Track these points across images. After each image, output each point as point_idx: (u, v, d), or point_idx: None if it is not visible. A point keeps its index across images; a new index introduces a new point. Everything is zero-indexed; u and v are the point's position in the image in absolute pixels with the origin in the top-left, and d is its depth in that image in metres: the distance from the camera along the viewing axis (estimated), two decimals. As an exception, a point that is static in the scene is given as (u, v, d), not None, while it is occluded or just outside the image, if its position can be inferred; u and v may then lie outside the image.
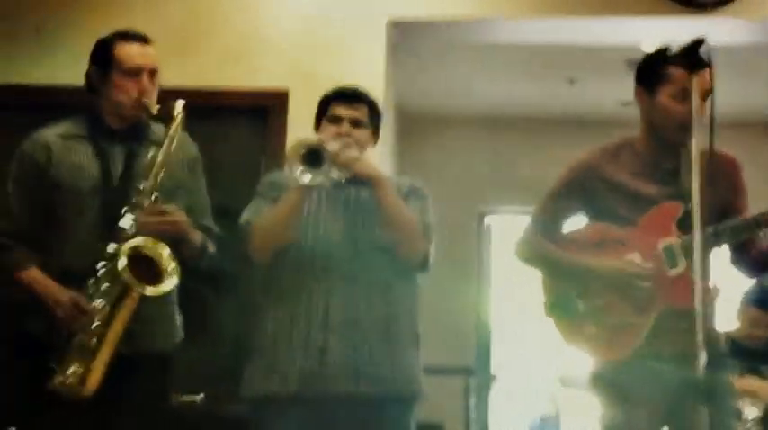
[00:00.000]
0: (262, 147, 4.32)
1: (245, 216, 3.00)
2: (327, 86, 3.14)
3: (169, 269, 2.84)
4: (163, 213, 2.88)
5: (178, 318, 3.07)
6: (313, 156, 2.82)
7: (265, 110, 4.33)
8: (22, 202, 2.98)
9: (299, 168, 2.82)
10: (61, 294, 2.85)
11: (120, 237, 2.86)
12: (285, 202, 2.92)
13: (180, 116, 2.91)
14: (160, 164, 2.90)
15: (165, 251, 2.85)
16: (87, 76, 3.04)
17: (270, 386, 2.92)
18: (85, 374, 2.82)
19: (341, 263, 2.95)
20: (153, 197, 2.90)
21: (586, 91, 5.71)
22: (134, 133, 3.01)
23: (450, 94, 5.88)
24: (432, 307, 3.42)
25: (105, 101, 3.00)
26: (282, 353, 2.92)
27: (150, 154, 2.93)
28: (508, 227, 5.89)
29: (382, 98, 4.06)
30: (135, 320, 2.87)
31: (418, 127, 6.13)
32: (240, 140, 4.34)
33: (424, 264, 3.01)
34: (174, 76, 3.26)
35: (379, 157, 3.86)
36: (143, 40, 3.01)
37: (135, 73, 2.96)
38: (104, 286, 2.85)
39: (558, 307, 3.00)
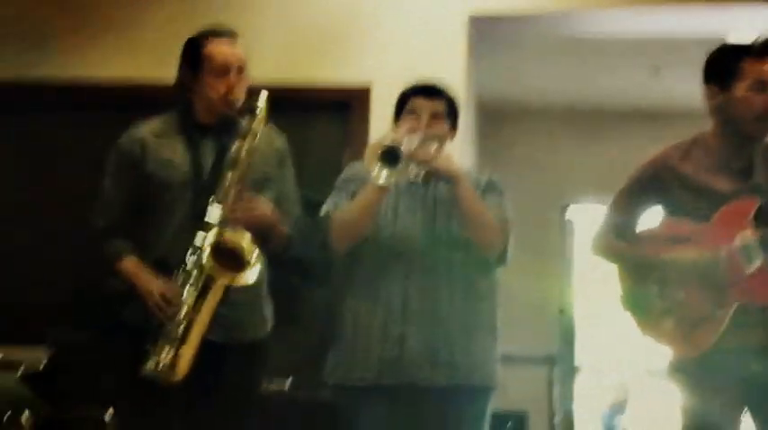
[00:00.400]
0: (344, 141, 4.36)
1: (325, 208, 3.06)
2: (409, 81, 3.16)
3: (252, 259, 2.89)
4: (249, 204, 2.94)
5: (269, 307, 3.13)
6: (390, 156, 2.86)
7: (348, 105, 4.36)
8: (119, 195, 3.07)
9: (377, 167, 2.86)
10: (153, 284, 2.93)
11: (208, 228, 2.93)
12: (363, 198, 2.96)
13: (262, 109, 2.96)
14: (245, 156, 2.94)
15: (247, 241, 2.90)
16: (178, 74, 3.12)
17: (351, 374, 2.98)
18: (175, 360, 2.89)
19: (419, 254, 2.98)
20: (239, 188, 2.95)
21: (670, 82, 5.70)
22: (224, 128, 3.06)
23: (531, 86, 5.88)
24: (516, 297, 3.47)
25: (196, 98, 3.07)
26: (362, 341, 2.97)
27: (234, 147, 2.98)
28: (590, 218, 5.92)
29: (463, 92, 4.09)
30: (227, 309, 2.93)
31: (500, 120, 6.12)
32: (323, 135, 4.38)
33: (501, 259, 3.03)
34: (258, 71, 3.32)
35: (459, 151, 3.84)
36: (231, 36, 3.07)
37: (224, 71, 3.02)
38: (192, 276, 2.91)
39: (636, 301, 3.02)
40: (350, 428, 2.98)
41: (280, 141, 3.17)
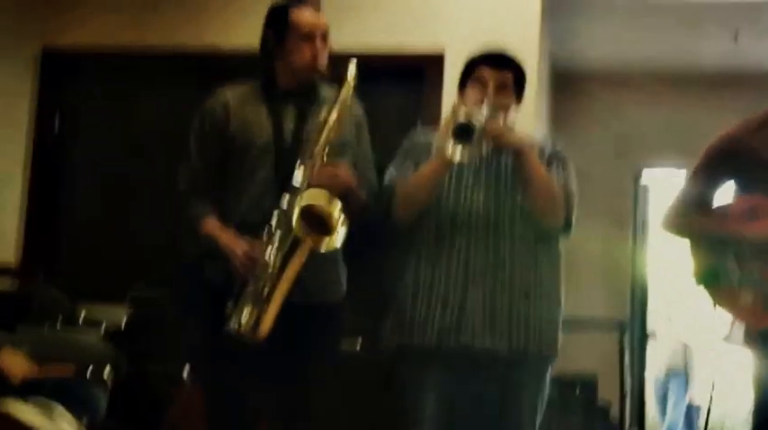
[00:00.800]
0: (417, 109, 4.31)
1: (388, 177, 3.06)
2: (483, 47, 3.12)
3: (339, 223, 2.90)
4: (333, 169, 2.95)
5: (344, 271, 3.16)
6: (465, 131, 2.85)
7: (421, 72, 4.33)
8: (202, 157, 3.11)
9: (451, 144, 2.85)
10: (237, 244, 2.94)
11: (293, 190, 2.94)
12: (430, 170, 2.96)
13: (353, 77, 2.97)
14: (333, 123, 2.96)
15: (335, 205, 2.90)
16: (263, 40, 3.14)
17: (409, 339, 2.99)
18: (258, 319, 2.90)
19: (482, 223, 2.99)
20: (324, 154, 2.97)
21: (749, 48, 5.57)
22: (305, 94, 3.08)
23: (606, 50, 5.82)
24: (588, 263, 3.20)
25: (280, 63, 3.10)
26: (422, 307, 2.98)
27: (322, 113, 3.00)
28: (665, 183, 5.92)
29: (537, 56, 4.10)
30: (307, 271, 2.95)
31: (574, 85, 6.04)
32: (396, 103, 4.36)
33: (565, 230, 3.03)
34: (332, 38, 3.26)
35: (532, 117, 3.88)
36: (315, 3, 3.11)
37: (309, 37, 3.05)
38: (277, 237, 2.93)
39: (712, 276, 3.03)
40: (408, 392, 3.01)
41: (357, 108, 3.17)
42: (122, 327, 4.03)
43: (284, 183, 2.97)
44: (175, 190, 3.15)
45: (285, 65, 3.09)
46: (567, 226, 3.03)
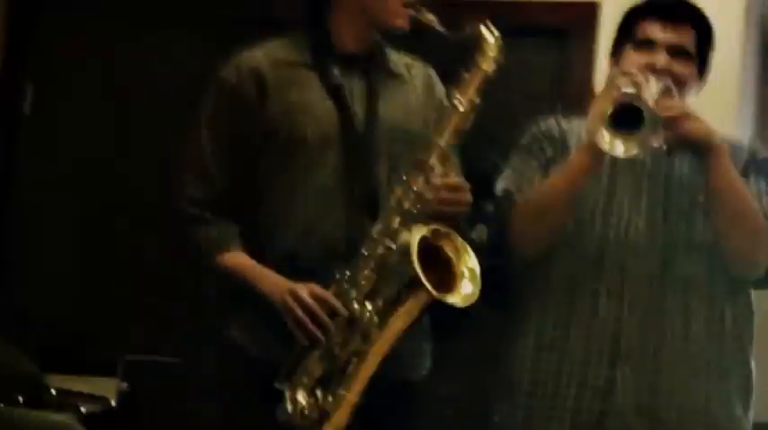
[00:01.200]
0: (559, 79, 3.91)
1: (504, 183, 2.74)
2: None
3: (467, 270, 2.50)
4: (457, 189, 2.57)
5: (428, 340, 2.77)
6: (626, 115, 2.44)
7: (566, 29, 3.90)
8: (222, 157, 2.65)
9: (606, 134, 2.45)
10: (290, 290, 2.49)
11: (390, 214, 2.51)
12: (570, 173, 2.60)
13: (498, 39, 2.57)
14: (465, 112, 2.54)
15: (461, 244, 2.52)
16: None
17: None
18: (331, 407, 2.47)
19: (642, 265, 2.64)
20: (446, 163, 2.55)
21: None
22: (372, 61, 2.69)
23: None
24: None
25: (341, 11, 2.65)
26: (547, 392, 2.66)
27: (439, 97, 2.66)
28: None
29: (742, 12, 3.74)
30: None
31: None
32: (532, 69, 3.91)
33: (766, 277, 2.70)
34: None
35: (726, 104, 3.58)
36: None
37: None
38: (368, 282, 2.48)
39: None
40: None
41: (433, 78, 2.78)
42: (112, 406, 3.63)
43: (360, 197, 2.58)
44: (176, 201, 2.68)
45: (352, 12, 2.63)
46: None
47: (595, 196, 2.70)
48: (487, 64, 2.60)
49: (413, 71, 2.73)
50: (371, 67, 2.71)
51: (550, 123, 2.82)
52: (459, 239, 2.57)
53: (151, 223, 3.89)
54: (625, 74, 2.61)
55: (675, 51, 2.64)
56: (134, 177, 4.28)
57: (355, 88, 2.68)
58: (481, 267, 2.64)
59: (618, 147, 2.49)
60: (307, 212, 2.61)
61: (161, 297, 3.97)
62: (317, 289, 2.51)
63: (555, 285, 2.70)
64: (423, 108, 2.74)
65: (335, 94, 2.66)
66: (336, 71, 2.68)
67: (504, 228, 2.70)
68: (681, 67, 2.64)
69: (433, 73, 2.81)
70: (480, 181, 2.83)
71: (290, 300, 2.51)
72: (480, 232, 2.75)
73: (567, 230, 2.69)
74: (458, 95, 2.60)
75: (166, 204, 2.79)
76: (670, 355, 2.64)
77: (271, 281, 2.57)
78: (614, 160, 2.67)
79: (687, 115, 2.56)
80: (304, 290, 2.51)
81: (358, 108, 2.67)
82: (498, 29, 2.62)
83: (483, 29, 2.62)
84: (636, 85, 2.54)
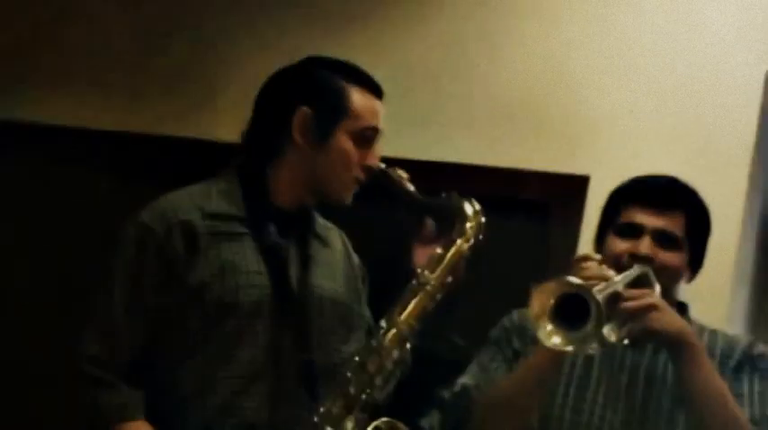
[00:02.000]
0: (541, 254, 3.70)
1: (465, 379, 2.58)
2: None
3: None
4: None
5: None
6: (572, 307, 2.30)
7: (549, 204, 3.71)
8: (136, 315, 2.42)
9: (546, 326, 2.33)
10: None
11: (335, 397, 2.32)
12: (527, 367, 2.50)
13: (478, 212, 2.46)
14: (431, 294, 2.38)
15: None
16: (261, 122, 2.50)
17: None
18: None
19: None
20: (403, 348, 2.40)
21: None
22: (304, 221, 2.53)
23: None
24: None
25: (290, 168, 2.47)
26: None
27: (356, 268, 2.57)
28: None
29: (743, 200, 3.58)
30: None
31: None
32: (508, 245, 3.63)
33: None
34: (429, 147, 3.40)
35: (726, 293, 3.46)
36: (378, 90, 2.56)
37: (371, 136, 2.50)
38: None
39: None
40: None
41: (347, 244, 2.68)
42: None
43: (292, 373, 2.39)
44: (76, 359, 2.44)
45: (300, 170, 2.46)
46: None
47: (565, 390, 2.55)
48: (465, 242, 2.46)
49: (329, 233, 2.58)
50: (305, 228, 2.54)
51: (524, 314, 2.61)
52: None
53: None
54: (589, 258, 2.48)
55: (661, 238, 2.53)
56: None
57: (291, 251, 2.50)
58: None
59: (554, 340, 2.34)
60: (230, 386, 2.40)
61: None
62: None
63: None
64: (342, 276, 2.56)
65: (272, 256, 2.46)
66: (273, 230, 2.49)
67: (461, 425, 2.51)
68: (666, 256, 2.52)
69: (346, 239, 2.65)
70: (438, 364, 2.69)
71: None
72: (432, 419, 2.55)
73: (533, 426, 2.51)
74: (426, 273, 2.42)
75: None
76: None
77: None
78: (586, 361, 2.54)
79: (655, 307, 2.40)
80: None
81: (293, 274, 2.48)
82: (478, 197, 2.50)
83: (463, 200, 2.48)
84: (595, 276, 2.37)
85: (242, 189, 2.50)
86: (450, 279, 2.45)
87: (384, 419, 2.37)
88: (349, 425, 2.33)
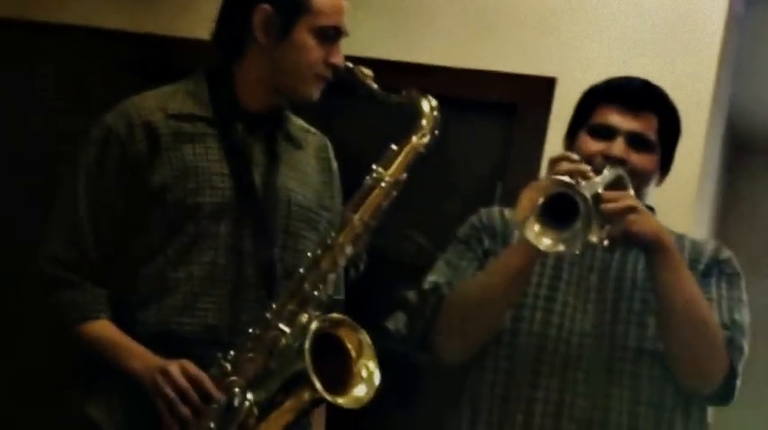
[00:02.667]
0: (505, 158, 3.66)
1: (434, 276, 2.55)
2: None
3: (364, 371, 2.35)
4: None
5: None
6: (561, 207, 2.31)
7: (515, 105, 3.66)
8: (98, 214, 2.43)
9: (534, 226, 2.32)
10: (162, 368, 2.28)
11: (289, 294, 2.33)
12: (503, 265, 2.47)
13: (436, 108, 2.44)
14: (385, 191, 2.38)
15: (367, 343, 2.37)
16: (227, 18, 2.49)
17: None
18: None
19: (584, 373, 2.48)
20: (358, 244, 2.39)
21: None
22: (275, 122, 2.52)
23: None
24: None
25: (253, 64, 2.47)
26: None
27: (334, 174, 2.57)
28: None
29: (709, 104, 3.59)
30: None
31: (762, 153, 5.40)
32: (476, 142, 3.70)
33: (723, 394, 2.52)
34: (397, 44, 3.33)
35: (687, 202, 3.46)
36: None
37: (333, 34, 2.47)
38: (253, 368, 2.30)
39: None
40: None
41: (329, 151, 2.65)
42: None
43: (252, 275, 2.40)
44: (37, 258, 2.45)
45: (263, 69, 2.47)
46: (728, 389, 2.51)
47: (536, 291, 2.54)
48: (420, 139, 2.45)
49: (309, 138, 2.57)
50: (275, 130, 2.53)
51: (492, 214, 2.67)
52: (364, 334, 2.37)
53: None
54: (568, 158, 2.45)
55: (635, 140, 2.51)
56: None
57: (256, 152, 2.50)
58: (393, 357, 2.47)
59: (544, 241, 2.34)
60: (190, 287, 2.40)
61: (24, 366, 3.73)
62: (192, 368, 2.30)
63: (487, 388, 2.52)
64: (318, 182, 2.57)
65: (236, 157, 2.47)
66: (240, 130, 2.49)
67: (430, 325, 2.51)
68: (639, 158, 2.51)
69: (329, 145, 2.65)
70: (404, 264, 2.76)
71: (159, 379, 2.30)
72: (397, 321, 2.55)
73: (504, 327, 2.51)
74: (381, 170, 2.42)
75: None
76: None
77: (139, 357, 2.35)
78: (557, 260, 2.55)
79: (633, 209, 2.41)
80: (176, 368, 2.30)
81: (257, 175, 2.48)
82: (440, 98, 2.48)
83: (420, 97, 2.47)
84: (577, 173, 2.38)
85: (208, 89, 2.50)
86: (405, 176, 2.45)
87: (339, 317, 2.40)
88: (302, 321, 2.34)
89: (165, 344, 2.36)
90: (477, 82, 3.71)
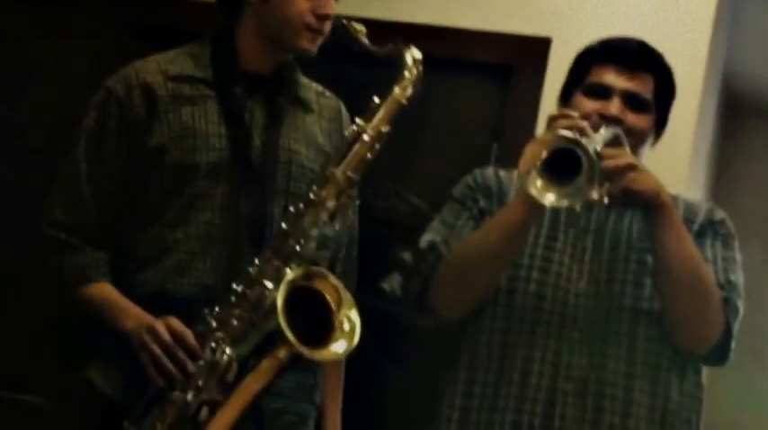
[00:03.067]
0: (499, 119, 3.62)
1: (430, 235, 2.55)
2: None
3: (346, 324, 2.34)
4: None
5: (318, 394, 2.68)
6: (564, 161, 2.31)
7: (511, 65, 3.65)
8: (99, 177, 2.46)
9: (537, 181, 2.32)
10: (150, 326, 2.32)
11: (273, 250, 2.35)
12: (501, 223, 2.46)
13: (418, 62, 2.44)
14: (368, 144, 2.39)
15: (346, 295, 2.38)
16: None
17: None
18: None
19: (580, 332, 2.47)
20: (341, 198, 2.41)
21: None
22: (280, 84, 2.53)
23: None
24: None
25: (249, 25, 2.49)
26: None
27: (357, 125, 2.44)
28: None
29: (704, 65, 3.56)
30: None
31: (752, 120, 5.43)
32: (471, 104, 3.66)
33: (719, 353, 2.52)
34: (391, 5, 3.29)
35: (683, 162, 3.45)
36: None
37: None
38: (239, 325, 2.32)
39: None
40: None
41: (342, 113, 2.62)
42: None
43: (247, 235, 2.42)
44: (41, 222, 2.48)
45: (258, 27, 2.49)
46: (723, 349, 2.51)
47: (532, 251, 2.54)
48: (402, 91, 2.45)
49: (322, 101, 2.57)
50: (278, 92, 2.54)
51: (487, 174, 2.67)
52: (343, 290, 2.35)
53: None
54: (567, 115, 2.45)
55: (631, 100, 2.51)
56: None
57: (257, 114, 2.50)
58: (389, 318, 2.52)
59: (548, 196, 2.33)
60: (186, 247, 2.43)
61: (31, 330, 3.72)
62: (176, 325, 2.32)
63: (484, 348, 2.52)
64: (328, 144, 2.56)
65: (234, 118, 2.48)
66: (239, 92, 2.50)
67: (426, 283, 2.50)
68: (635, 118, 2.51)
69: (343, 108, 2.64)
70: (399, 225, 2.76)
71: (146, 337, 2.32)
72: (392, 282, 2.55)
73: (500, 287, 2.52)
74: (362, 122, 2.42)
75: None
76: (603, 426, 2.47)
77: (132, 317, 2.38)
78: (555, 213, 2.56)
79: (633, 167, 2.40)
80: (161, 325, 2.32)
81: (257, 137, 2.49)
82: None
83: (404, 49, 2.47)
84: (578, 129, 2.37)
85: (211, 52, 2.51)
86: (387, 128, 2.44)
87: (319, 270, 2.38)
88: (285, 276, 2.34)
89: (163, 304, 2.38)
90: (471, 42, 3.70)
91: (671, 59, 2.65)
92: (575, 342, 2.49)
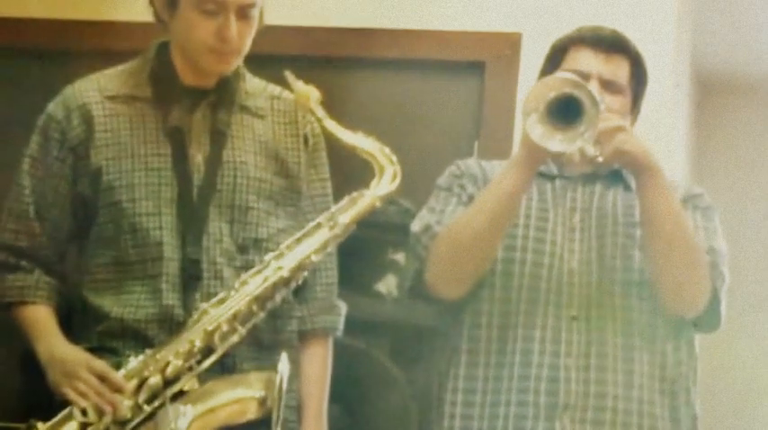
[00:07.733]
0: (477, 114, 3.66)
1: (422, 221, 2.56)
2: None
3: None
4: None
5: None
6: (566, 108, 2.34)
7: (484, 62, 3.64)
8: (46, 202, 2.45)
9: (537, 125, 2.32)
10: (76, 356, 2.28)
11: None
12: (495, 190, 2.46)
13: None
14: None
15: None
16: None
17: None
18: None
19: (577, 307, 2.50)
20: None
21: None
22: (223, 95, 2.46)
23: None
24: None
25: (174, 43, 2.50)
26: None
27: (305, 136, 2.49)
28: None
29: (672, 54, 3.64)
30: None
31: (725, 98, 5.50)
32: (449, 102, 3.69)
33: (709, 319, 2.56)
34: (365, 12, 3.24)
35: (662, 141, 3.43)
36: None
37: (211, 9, 2.39)
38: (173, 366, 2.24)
39: None
40: None
41: (298, 114, 2.53)
42: None
43: (183, 271, 2.36)
44: None
45: (178, 45, 2.46)
46: (713, 315, 2.54)
47: (525, 232, 2.56)
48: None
49: (276, 105, 2.49)
50: (220, 103, 2.45)
51: (470, 163, 2.70)
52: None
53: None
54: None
55: (607, 84, 2.53)
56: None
57: (198, 129, 2.43)
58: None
59: (550, 141, 2.35)
60: (142, 271, 2.35)
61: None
62: (98, 367, 2.23)
63: (483, 331, 2.53)
64: (278, 149, 2.48)
65: (173, 136, 2.41)
66: (178, 109, 2.43)
67: (425, 264, 2.50)
68: (613, 100, 2.53)
69: (298, 109, 2.55)
70: (389, 227, 2.79)
71: (70, 377, 2.23)
72: (388, 283, 2.61)
73: (496, 269, 2.53)
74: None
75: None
76: (612, 404, 2.49)
77: (55, 344, 2.30)
78: (543, 194, 2.57)
79: (623, 129, 2.44)
80: (92, 366, 2.24)
81: (198, 153, 2.41)
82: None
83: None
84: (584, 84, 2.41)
85: (151, 68, 2.47)
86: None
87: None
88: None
89: (120, 329, 2.33)
90: (443, 43, 3.69)
91: (639, 44, 2.66)
92: (573, 319, 2.50)
